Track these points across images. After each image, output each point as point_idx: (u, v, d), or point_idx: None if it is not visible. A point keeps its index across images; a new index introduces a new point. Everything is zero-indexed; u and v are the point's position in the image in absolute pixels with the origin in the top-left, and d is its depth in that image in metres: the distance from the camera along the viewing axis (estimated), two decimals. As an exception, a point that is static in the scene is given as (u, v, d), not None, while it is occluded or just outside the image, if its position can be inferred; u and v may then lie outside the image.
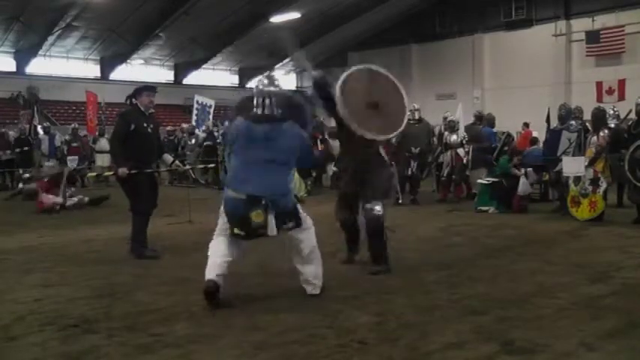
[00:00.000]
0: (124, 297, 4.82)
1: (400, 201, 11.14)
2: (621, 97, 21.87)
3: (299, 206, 4.76)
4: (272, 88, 4.73)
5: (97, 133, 18.92)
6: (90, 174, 14.35)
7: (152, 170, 6.74)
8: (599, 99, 22.02)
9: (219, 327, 4.09)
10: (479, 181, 10.60)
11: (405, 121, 5.81)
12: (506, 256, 6.50)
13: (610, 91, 23.56)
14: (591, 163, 8.87)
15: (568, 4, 26.27)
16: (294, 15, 28.04)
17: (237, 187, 4.54)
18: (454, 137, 11.67)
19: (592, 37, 24.90)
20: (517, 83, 26.58)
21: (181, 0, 25.51)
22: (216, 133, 15.83)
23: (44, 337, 3.93)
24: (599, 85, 23.88)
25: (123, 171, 6.38)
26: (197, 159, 16.07)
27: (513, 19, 27.58)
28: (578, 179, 8.83)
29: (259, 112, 4.69)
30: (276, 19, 28.05)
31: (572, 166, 8.86)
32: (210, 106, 18.94)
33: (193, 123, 18.48)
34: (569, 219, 8.79)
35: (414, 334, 3.92)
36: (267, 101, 4.68)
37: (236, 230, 4.55)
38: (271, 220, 4.45)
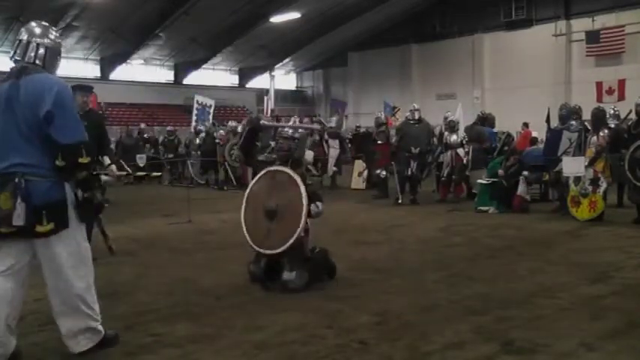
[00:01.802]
0: (124, 297, 4.82)
1: (400, 201, 11.14)
2: (621, 97, 21.87)
3: (75, 214, 3.45)
4: (45, 40, 3.52)
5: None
6: None
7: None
8: (599, 99, 22.02)
9: (219, 327, 4.09)
10: (479, 181, 10.60)
11: (297, 235, 5.02)
12: (506, 256, 6.50)
13: (610, 91, 23.56)
14: (591, 163, 8.86)
15: (568, 4, 26.28)
16: (294, 15, 28.05)
17: None
18: (454, 137, 11.66)
19: (592, 37, 24.91)
20: (517, 83, 26.59)
21: (181, 0, 25.51)
22: (216, 134, 15.83)
23: (44, 337, 3.94)
24: (599, 85, 23.88)
25: None
26: (198, 158, 16.10)
27: (513, 19, 27.59)
28: (578, 179, 8.83)
29: (12, 65, 3.52)
30: (276, 19, 28.06)
31: (572, 166, 8.86)
32: (210, 106, 18.95)
33: (193, 123, 18.49)
34: (569, 219, 8.78)
35: (414, 334, 3.92)
36: (19, 51, 3.49)
37: None
38: (21, 207, 3.23)
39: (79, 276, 3.48)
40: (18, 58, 3.50)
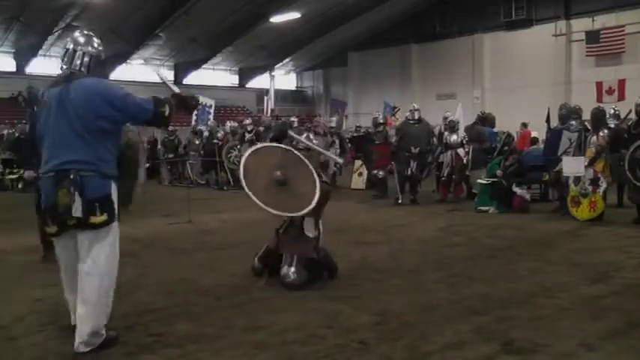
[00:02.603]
0: (124, 297, 4.81)
1: (400, 201, 11.14)
2: (621, 97, 21.88)
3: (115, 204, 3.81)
4: (89, 48, 3.86)
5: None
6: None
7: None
8: (599, 99, 22.03)
9: (219, 327, 4.09)
10: (479, 181, 10.60)
11: (314, 203, 5.02)
12: (506, 256, 6.50)
13: (610, 91, 23.57)
14: (591, 163, 8.86)
15: (568, 4, 26.29)
16: (294, 15, 28.06)
17: (46, 166, 3.69)
18: (454, 137, 11.66)
19: (592, 37, 24.92)
20: (517, 83, 26.59)
21: (181, 0, 25.51)
22: (219, 134, 15.82)
23: (44, 337, 3.93)
24: (599, 85, 23.89)
25: (29, 174, 6.24)
26: (199, 158, 16.09)
27: (513, 19, 27.60)
28: (578, 179, 8.83)
29: (60, 71, 3.88)
30: (276, 19, 28.06)
31: (572, 166, 8.86)
32: (210, 106, 18.94)
33: (193, 123, 18.49)
34: (569, 219, 8.78)
35: (414, 334, 3.92)
36: (66, 59, 3.83)
37: (49, 229, 3.75)
38: (78, 200, 3.56)
39: (112, 272, 3.75)
40: (65, 66, 3.83)
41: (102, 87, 3.72)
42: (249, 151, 5.37)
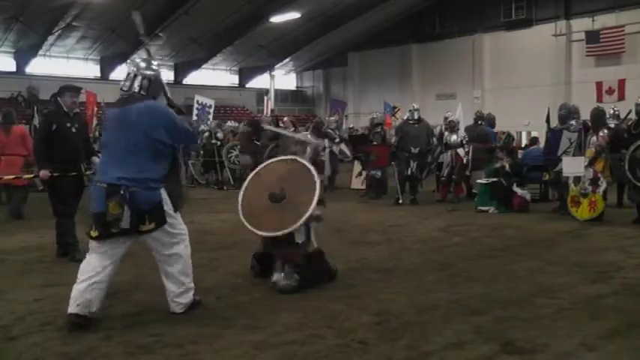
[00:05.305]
0: (124, 297, 4.82)
1: (400, 201, 11.14)
2: (621, 97, 21.92)
3: (169, 208, 4.22)
4: (148, 72, 4.26)
5: (96, 134, 18.85)
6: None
7: (76, 173, 6.47)
8: (599, 99, 22.07)
9: (219, 327, 4.09)
10: (479, 181, 10.60)
11: (308, 215, 4.96)
12: (506, 256, 6.50)
13: (610, 91, 23.60)
14: (591, 163, 8.86)
15: (568, 4, 26.32)
16: (294, 15, 28.08)
17: (101, 177, 4.13)
18: (454, 137, 11.67)
19: (592, 37, 24.94)
20: (517, 83, 26.62)
21: (181, 0, 25.52)
22: (219, 134, 15.81)
23: (44, 337, 3.93)
24: (599, 85, 23.93)
25: (44, 173, 6.25)
26: (197, 158, 16.08)
27: (513, 19, 27.63)
28: (578, 179, 8.82)
29: (121, 92, 4.26)
30: (276, 19, 28.08)
31: (572, 166, 8.85)
32: (210, 106, 18.90)
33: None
34: (569, 219, 8.78)
35: (414, 334, 3.92)
36: (127, 82, 4.22)
37: (91, 232, 4.09)
38: (126, 213, 3.96)
39: (177, 254, 4.32)
40: (125, 89, 4.20)
41: (159, 113, 4.13)
42: (252, 174, 5.44)
